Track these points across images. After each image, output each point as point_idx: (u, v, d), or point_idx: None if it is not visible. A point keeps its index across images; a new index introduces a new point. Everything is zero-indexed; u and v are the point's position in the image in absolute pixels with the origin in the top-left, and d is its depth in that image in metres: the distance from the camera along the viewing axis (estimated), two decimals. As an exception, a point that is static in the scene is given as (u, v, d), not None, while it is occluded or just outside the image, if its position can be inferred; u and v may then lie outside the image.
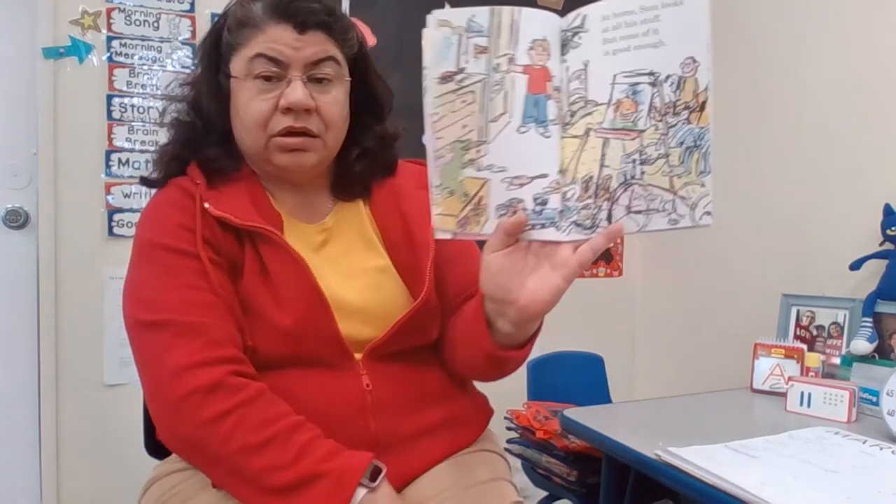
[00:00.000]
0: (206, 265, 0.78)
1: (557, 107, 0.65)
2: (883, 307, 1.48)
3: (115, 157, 1.87)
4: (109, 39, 1.86)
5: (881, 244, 1.55)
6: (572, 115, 0.65)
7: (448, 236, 0.67)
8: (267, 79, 0.81)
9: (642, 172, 0.64)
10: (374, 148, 0.92)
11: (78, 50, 1.83)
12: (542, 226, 0.66)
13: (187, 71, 0.90)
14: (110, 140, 1.88)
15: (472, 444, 0.91)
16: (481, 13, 0.63)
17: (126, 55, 1.88)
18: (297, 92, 0.80)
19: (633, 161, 0.64)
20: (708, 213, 0.64)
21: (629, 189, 0.65)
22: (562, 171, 0.65)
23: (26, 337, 1.89)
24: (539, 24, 0.64)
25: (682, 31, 0.62)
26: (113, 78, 1.87)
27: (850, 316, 1.56)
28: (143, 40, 1.89)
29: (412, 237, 0.88)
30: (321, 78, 0.82)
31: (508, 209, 0.65)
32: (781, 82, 1.89)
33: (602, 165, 0.65)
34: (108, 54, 1.87)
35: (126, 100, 1.88)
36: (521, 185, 0.65)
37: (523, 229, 0.65)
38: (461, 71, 0.64)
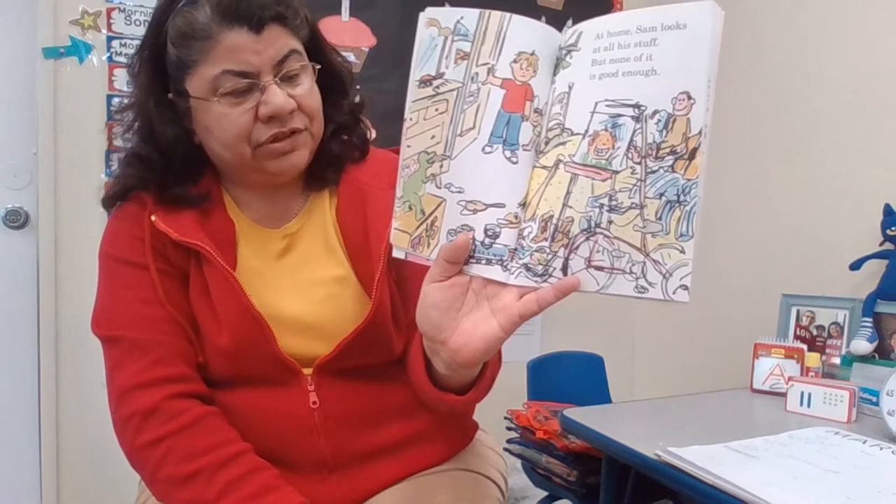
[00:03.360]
0: (155, 276, 0.77)
1: (534, 131, 0.57)
2: (883, 307, 1.48)
3: (115, 157, 1.87)
4: (109, 39, 1.86)
5: (881, 244, 1.55)
6: (547, 143, 0.57)
7: (401, 255, 0.61)
8: (239, 90, 0.74)
9: (609, 222, 0.54)
10: (347, 122, 0.86)
11: (78, 50, 1.84)
12: (489, 262, 0.57)
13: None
14: (110, 140, 1.88)
15: (440, 463, 0.86)
16: (469, 16, 0.57)
17: (126, 55, 1.88)
18: (277, 98, 0.74)
19: (601, 206, 0.54)
20: (684, 287, 0.54)
21: (591, 238, 0.55)
22: (523, 205, 0.57)
23: (26, 337, 1.89)
24: (529, 35, 0.57)
25: (680, 60, 0.52)
26: (113, 78, 1.87)
27: (850, 316, 1.56)
28: (143, 40, 1.89)
29: (368, 246, 0.81)
30: (291, 74, 0.76)
31: (458, 236, 0.58)
32: (781, 82, 1.89)
33: (565, 205, 0.55)
34: (108, 54, 1.87)
35: (126, 100, 1.87)
36: (475, 211, 0.57)
37: (465, 257, 0.57)
38: (440, 76, 0.58)
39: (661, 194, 0.53)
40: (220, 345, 0.77)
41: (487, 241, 0.57)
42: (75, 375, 1.86)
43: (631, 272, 0.54)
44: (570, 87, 0.56)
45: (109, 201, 0.84)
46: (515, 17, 0.56)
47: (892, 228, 1.52)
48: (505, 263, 0.57)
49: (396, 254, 0.61)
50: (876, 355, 1.45)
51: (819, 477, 0.89)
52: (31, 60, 1.83)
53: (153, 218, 0.78)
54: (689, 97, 0.52)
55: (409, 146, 0.59)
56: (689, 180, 0.52)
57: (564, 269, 0.56)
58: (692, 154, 0.52)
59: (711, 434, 1.08)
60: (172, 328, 0.77)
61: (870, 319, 1.48)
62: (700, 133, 0.52)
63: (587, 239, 0.55)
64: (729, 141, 2.02)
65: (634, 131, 0.53)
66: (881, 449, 1.00)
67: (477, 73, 0.57)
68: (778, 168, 1.89)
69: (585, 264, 0.56)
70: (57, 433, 1.87)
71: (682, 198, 0.53)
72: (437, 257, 0.58)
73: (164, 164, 0.80)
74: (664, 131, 0.52)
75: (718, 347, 2.03)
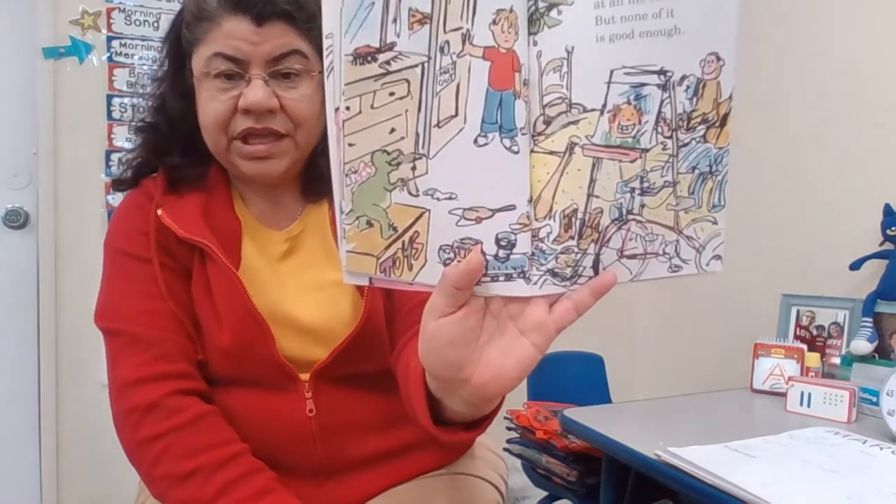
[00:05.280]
0: (157, 271, 0.77)
1: (526, 109, 0.45)
2: (883, 307, 1.48)
3: (115, 157, 1.87)
4: (109, 39, 1.87)
5: (881, 244, 1.55)
6: (547, 123, 0.45)
7: (362, 282, 0.49)
8: (227, 77, 0.74)
9: (642, 206, 0.47)
10: None
11: (78, 50, 1.84)
12: (508, 277, 0.47)
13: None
14: (110, 140, 1.88)
15: (440, 466, 0.85)
16: None
17: (126, 55, 1.88)
18: (256, 92, 0.73)
19: (632, 190, 0.47)
20: (717, 256, 0.50)
21: (624, 227, 0.48)
22: (532, 201, 0.46)
23: (26, 337, 1.89)
24: None
25: (706, 14, 0.45)
26: (113, 78, 1.87)
27: (850, 316, 1.56)
28: (143, 40, 1.89)
29: None
30: (287, 72, 0.75)
31: (458, 252, 0.46)
32: (782, 82, 1.89)
33: (590, 195, 0.46)
34: (108, 54, 1.87)
35: (126, 100, 1.88)
36: (479, 219, 0.46)
37: (479, 279, 0.46)
38: (389, 47, 0.44)
39: (694, 167, 0.48)
40: (220, 344, 0.77)
41: (502, 253, 0.46)
42: (75, 375, 1.86)
43: (664, 253, 0.49)
44: (570, 52, 0.44)
45: (119, 184, 0.85)
46: None
47: (892, 228, 1.52)
48: (526, 274, 0.47)
49: (354, 280, 0.49)
50: (876, 355, 1.45)
51: (819, 477, 0.89)
52: (31, 60, 1.83)
53: (159, 212, 0.78)
54: (718, 58, 0.46)
55: (352, 145, 0.45)
56: (720, 149, 0.49)
57: (595, 267, 0.48)
58: (723, 121, 0.48)
59: (711, 434, 1.08)
60: (174, 324, 0.77)
61: (870, 319, 1.48)
62: (730, 97, 0.48)
63: (619, 228, 0.48)
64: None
65: (662, 102, 0.46)
66: (881, 449, 1.00)
67: (448, 42, 0.44)
68: (778, 168, 1.89)
69: (618, 256, 0.49)
70: (57, 433, 1.87)
71: (714, 168, 0.49)
72: (442, 285, 0.47)
73: (170, 134, 0.82)
74: (694, 98, 0.47)
75: (718, 347, 2.03)
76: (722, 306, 2.05)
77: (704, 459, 0.93)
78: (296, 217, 0.85)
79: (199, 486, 0.68)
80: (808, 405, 1.30)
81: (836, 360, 1.53)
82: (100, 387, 1.85)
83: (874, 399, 1.25)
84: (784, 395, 1.36)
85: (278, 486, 0.71)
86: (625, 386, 2.31)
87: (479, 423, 0.61)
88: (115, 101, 1.87)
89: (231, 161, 0.79)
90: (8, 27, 1.87)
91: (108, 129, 1.88)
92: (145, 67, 1.89)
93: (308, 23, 0.76)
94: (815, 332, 1.63)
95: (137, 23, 1.88)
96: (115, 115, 1.87)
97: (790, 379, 1.37)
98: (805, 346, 1.50)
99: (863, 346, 1.44)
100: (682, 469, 0.94)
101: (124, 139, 1.88)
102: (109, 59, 1.87)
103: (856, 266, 1.57)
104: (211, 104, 0.76)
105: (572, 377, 1.89)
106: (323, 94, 0.79)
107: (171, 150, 0.82)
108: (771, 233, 1.91)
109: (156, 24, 1.89)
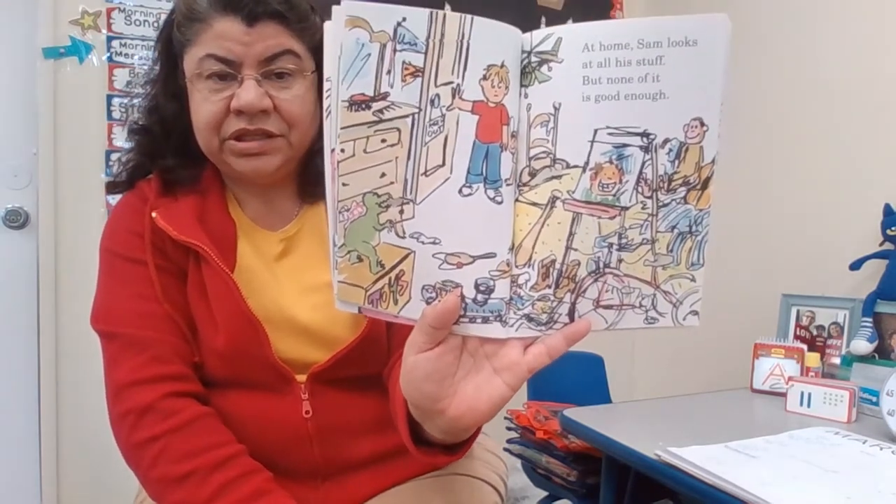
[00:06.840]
0: (153, 273, 0.77)
1: (513, 160, 0.48)
2: (883, 307, 1.48)
3: (115, 157, 1.87)
4: (109, 39, 1.87)
5: (881, 244, 1.55)
6: (532, 175, 0.48)
7: (352, 310, 0.51)
8: (220, 77, 0.74)
9: (619, 260, 0.50)
10: None
11: (78, 50, 1.84)
12: (485, 319, 0.50)
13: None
14: (110, 140, 1.88)
15: (438, 467, 0.84)
16: (416, 17, 0.45)
17: (126, 55, 1.88)
18: (249, 93, 0.73)
19: (610, 245, 0.50)
20: (695, 312, 0.52)
21: (600, 279, 0.50)
22: (513, 249, 0.49)
23: (26, 337, 1.89)
24: (496, 42, 0.46)
25: (692, 81, 0.47)
26: (113, 78, 1.87)
27: (850, 316, 1.56)
28: (143, 40, 1.89)
29: None
30: (280, 72, 0.75)
31: (440, 293, 0.49)
32: (782, 82, 1.89)
33: (569, 248, 0.49)
34: (108, 54, 1.87)
35: (126, 100, 1.88)
36: (459, 265, 0.48)
37: (456, 320, 0.49)
38: (382, 97, 0.46)
39: (674, 227, 0.50)
40: (215, 345, 0.77)
41: (481, 297, 0.49)
42: (75, 375, 1.86)
43: (641, 306, 0.52)
44: (557, 109, 0.47)
45: (114, 187, 0.85)
46: (478, 19, 0.45)
47: (892, 228, 1.52)
48: (503, 318, 0.50)
49: (345, 308, 0.51)
50: (876, 355, 1.45)
51: (819, 477, 0.89)
52: (31, 60, 1.83)
53: (154, 214, 0.78)
54: (702, 123, 0.48)
55: (345, 185, 0.47)
56: (701, 210, 0.50)
57: (571, 314, 0.51)
58: (705, 184, 0.49)
59: (711, 434, 1.08)
60: (169, 326, 0.77)
61: (870, 319, 1.48)
62: (713, 161, 0.49)
63: (595, 280, 0.50)
64: (728, 141, 2.02)
65: (644, 163, 0.48)
66: (881, 449, 1.00)
67: (438, 96, 0.46)
68: (778, 168, 1.89)
69: (594, 305, 0.51)
70: (57, 433, 1.87)
71: (694, 228, 0.51)
72: (420, 324, 0.50)
73: (163, 137, 0.82)
74: (676, 161, 0.48)
75: (718, 347, 2.03)
76: (722, 306, 2.05)
77: (704, 459, 0.93)
78: (292, 218, 0.85)
79: (195, 488, 0.68)
80: (808, 405, 1.30)
81: (836, 360, 1.53)
82: (100, 387, 1.85)
83: (874, 399, 1.25)
84: (784, 395, 1.36)
85: (275, 487, 0.71)
86: (625, 386, 2.31)
87: (458, 448, 0.63)
88: (115, 101, 1.87)
89: (224, 161, 0.79)
90: (8, 27, 1.87)
91: (108, 129, 1.88)
92: (145, 67, 1.89)
93: (300, 22, 0.76)
94: (815, 332, 1.63)
95: (137, 23, 1.88)
96: (115, 115, 1.87)
97: (790, 379, 1.37)
98: (805, 346, 1.50)
99: (863, 346, 1.44)
100: (682, 469, 0.94)
101: (124, 139, 1.87)
102: (109, 59, 1.87)
103: (856, 266, 1.57)
104: (203, 105, 0.75)
105: (572, 377, 1.89)
106: (315, 93, 0.79)
107: (165, 152, 0.82)
108: (771, 233, 1.91)
109: (156, 24, 1.89)
